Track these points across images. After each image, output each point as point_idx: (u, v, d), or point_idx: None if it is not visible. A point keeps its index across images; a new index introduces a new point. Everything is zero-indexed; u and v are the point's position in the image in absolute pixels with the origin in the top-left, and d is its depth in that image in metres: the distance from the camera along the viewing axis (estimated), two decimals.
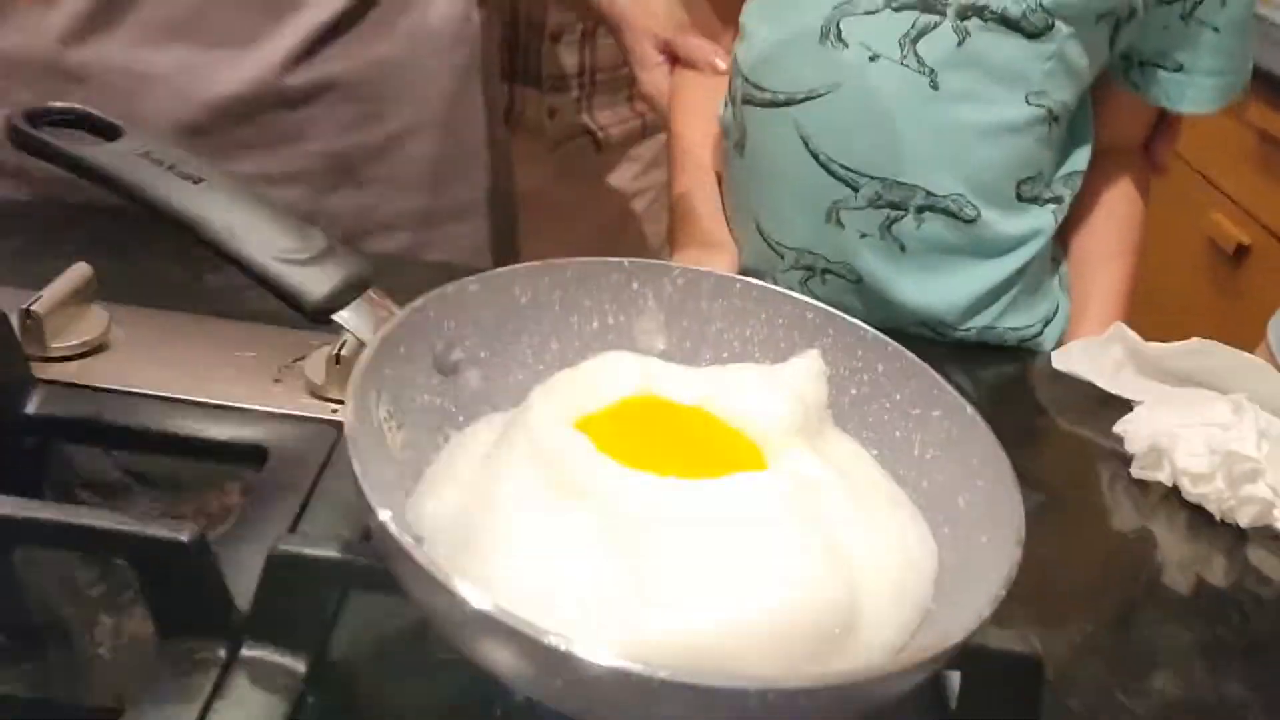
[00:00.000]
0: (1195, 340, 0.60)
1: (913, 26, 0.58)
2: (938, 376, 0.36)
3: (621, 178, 1.07)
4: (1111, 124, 0.68)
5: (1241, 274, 1.56)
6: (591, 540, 0.27)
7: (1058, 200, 0.65)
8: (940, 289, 0.63)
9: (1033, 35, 0.58)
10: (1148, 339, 0.60)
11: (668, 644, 0.25)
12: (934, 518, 0.34)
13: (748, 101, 0.65)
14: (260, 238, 0.31)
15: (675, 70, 0.80)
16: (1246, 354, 0.59)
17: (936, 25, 0.58)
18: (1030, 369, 0.64)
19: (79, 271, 0.47)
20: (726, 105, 0.68)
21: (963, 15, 0.57)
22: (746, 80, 0.65)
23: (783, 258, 0.65)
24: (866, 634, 0.28)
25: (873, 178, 0.61)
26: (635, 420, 0.32)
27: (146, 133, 0.33)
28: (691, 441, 0.31)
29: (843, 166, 0.61)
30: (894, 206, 0.61)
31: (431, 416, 0.34)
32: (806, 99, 0.61)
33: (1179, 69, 0.64)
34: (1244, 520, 0.51)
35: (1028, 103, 0.60)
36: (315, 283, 0.31)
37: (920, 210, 0.61)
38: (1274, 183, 1.52)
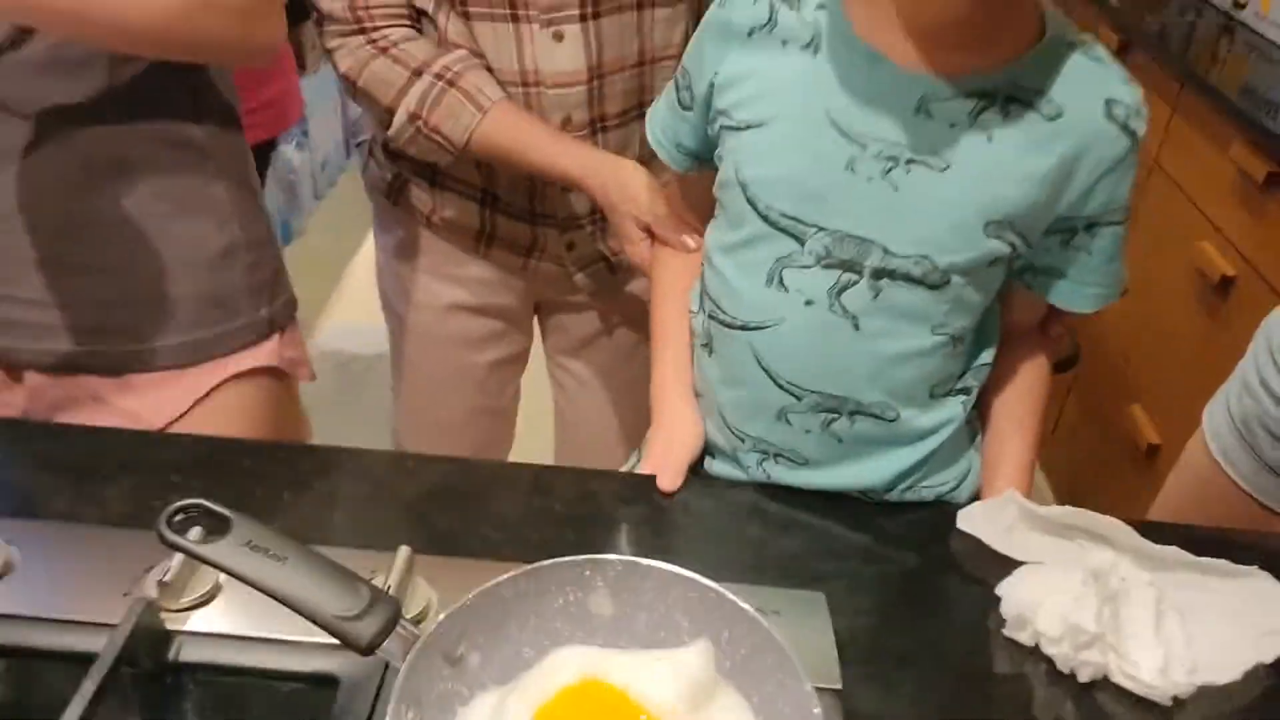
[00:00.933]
0: (1069, 509, 0.74)
1: (836, 282, 0.72)
2: (776, 638, 0.51)
3: (637, 286, 1.22)
4: (1014, 311, 0.81)
5: (1227, 305, 1.66)
6: None
7: (967, 391, 0.80)
8: (871, 470, 0.79)
9: (933, 287, 0.72)
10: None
11: None
12: None
13: (713, 318, 0.80)
14: (324, 601, 0.48)
15: (655, 245, 0.95)
16: (1107, 518, 0.73)
17: (855, 283, 0.72)
18: (945, 525, 0.78)
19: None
20: (699, 312, 0.83)
21: (876, 275, 0.72)
22: (714, 304, 0.80)
23: (743, 441, 0.81)
24: None
25: (812, 391, 0.76)
26: (574, 702, 0.48)
27: (248, 523, 0.49)
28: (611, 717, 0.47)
29: (789, 381, 0.76)
30: (830, 411, 0.77)
31: (444, 699, 0.50)
32: (758, 328, 0.76)
33: (1063, 278, 0.77)
34: (1082, 676, 0.65)
35: (933, 333, 0.74)
36: (364, 631, 0.48)
37: (851, 414, 0.76)
38: (1255, 218, 1.61)
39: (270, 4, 0.82)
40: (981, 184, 0.69)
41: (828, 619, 0.66)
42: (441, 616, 0.50)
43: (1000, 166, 0.69)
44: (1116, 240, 0.75)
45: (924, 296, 0.72)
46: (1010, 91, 0.69)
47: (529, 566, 0.53)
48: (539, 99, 1.04)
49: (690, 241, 0.90)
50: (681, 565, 0.59)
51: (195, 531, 0.50)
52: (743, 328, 0.77)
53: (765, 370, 0.77)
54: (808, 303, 0.73)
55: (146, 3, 0.75)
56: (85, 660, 0.53)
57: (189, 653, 0.59)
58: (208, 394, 0.94)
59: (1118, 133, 0.70)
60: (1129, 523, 0.74)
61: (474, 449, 1.37)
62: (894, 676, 0.64)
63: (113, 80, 0.84)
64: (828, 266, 0.72)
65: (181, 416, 0.93)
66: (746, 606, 0.52)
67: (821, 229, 0.71)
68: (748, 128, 0.73)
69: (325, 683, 0.58)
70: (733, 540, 0.75)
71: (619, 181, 0.97)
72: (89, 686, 0.51)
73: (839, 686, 0.61)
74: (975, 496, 0.82)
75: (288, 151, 2.91)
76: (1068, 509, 0.74)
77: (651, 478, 0.78)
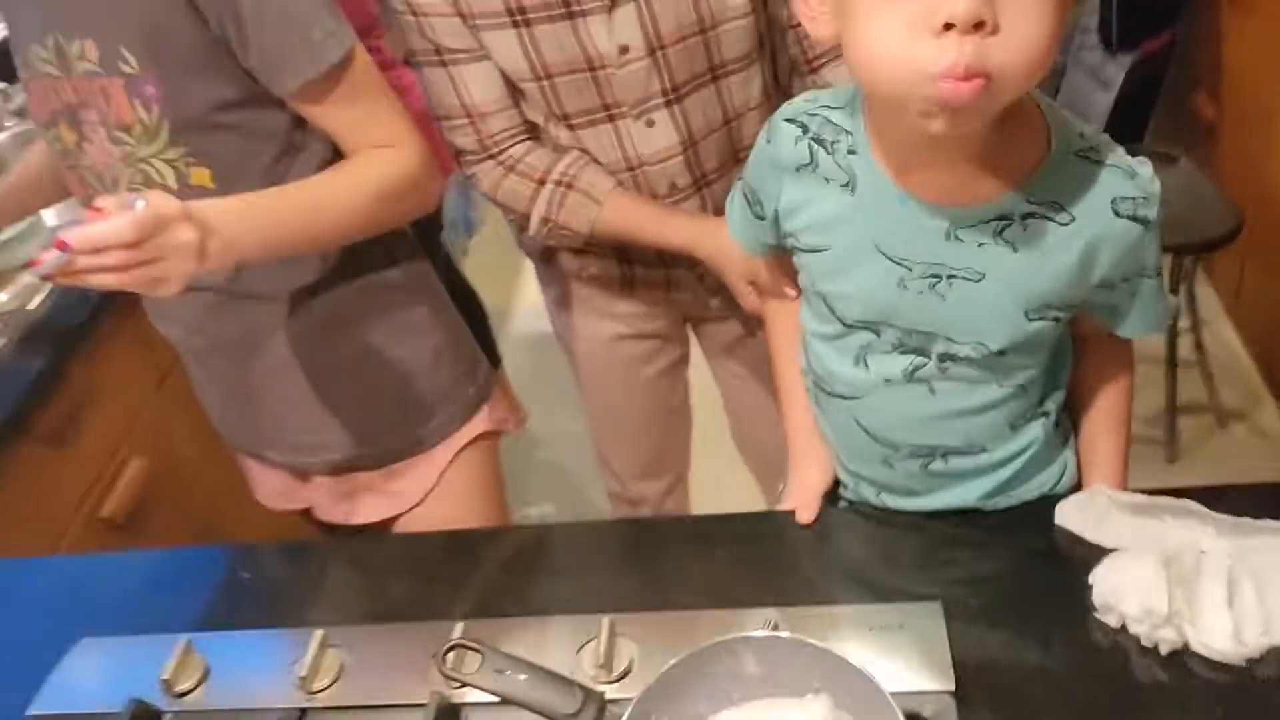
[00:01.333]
0: (1151, 498, 0.86)
1: (910, 364, 0.86)
2: (882, 691, 0.68)
3: None
4: (1085, 327, 0.92)
5: None
6: None
7: (1046, 414, 0.92)
8: (971, 490, 0.93)
9: (993, 357, 0.84)
10: None
11: None
12: None
13: (817, 386, 0.96)
14: (556, 704, 0.70)
15: (764, 299, 1.10)
16: (1183, 500, 0.85)
17: (925, 364, 0.85)
18: (1046, 520, 0.91)
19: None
20: (807, 377, 0.98)
21: (941, 359, 0.85)
22: (816, 375, 0.95)
23: (859, 479, 0.97)
24: None
25: (906, 444, 0.91)
26: None
27: (493, 653, 0.72)
28: None
29: (884, 438, 0.91)
30: (925, 456, 0.91)
31: None
32: (853, 398, 0.91)
33: (1115, 314, 0.87)
34: (1164, 650, 0.79)
35: (1000, 386, 0.87)
36: None
37: (944, 455, 0.91)
38: None
39: (432, 168, 1.04)
40: (1015, 284, 0.80)
41: (943, 624, 0.82)
42: (634, 700, 0.71)
43: (1028, 268, 0.80)
44: (1153, 289, 0.85)
45: (986, 365, 0.85)
46: (1025, 210, 0.78)
47: (694, 650, 0.73)
48: (644, 176, 1.21)
49: (790, 291, 1.04)
50: (820, 591, 0.78)
51: (461, 660, 0.72)
52: (841, 397, 0.92)
53: (864, 429, 0.92)
54: (887, 380, 0.87)
55: (342, 216, 1.01)
56: None
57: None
58: (448, 466, 1.21)
59: (1128, 224, 0.79)
60: (1207, 491, 0.86)
61: (660, 443, 1.59)
62: (1005, 671, 0.80)
63: (326, 261, 1.09)
64: (902, 352, 0.86)
65: (434, 487, 1.21)
66: (857, 664, 0.70)
67: (892, 325, 0.85)
68: (813, 250, 0.86)
69: None
70: (863, 562, 0.92)
71: (719, 248, 1.14)
72: None
73: (953, 687, 0.78)
74: (1076, 489, 0.94)
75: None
76: (1150, 498, 0.86)
77: (792, 515, 0.96)
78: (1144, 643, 0.79)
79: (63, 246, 0.78)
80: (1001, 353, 0.84)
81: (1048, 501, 0.92)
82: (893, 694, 0.75)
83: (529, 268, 1.52)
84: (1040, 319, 0.82)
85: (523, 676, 0.71)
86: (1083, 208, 0.78)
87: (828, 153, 0.83)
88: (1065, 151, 0.79)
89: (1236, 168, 2.18)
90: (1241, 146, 2.18)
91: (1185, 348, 2.29)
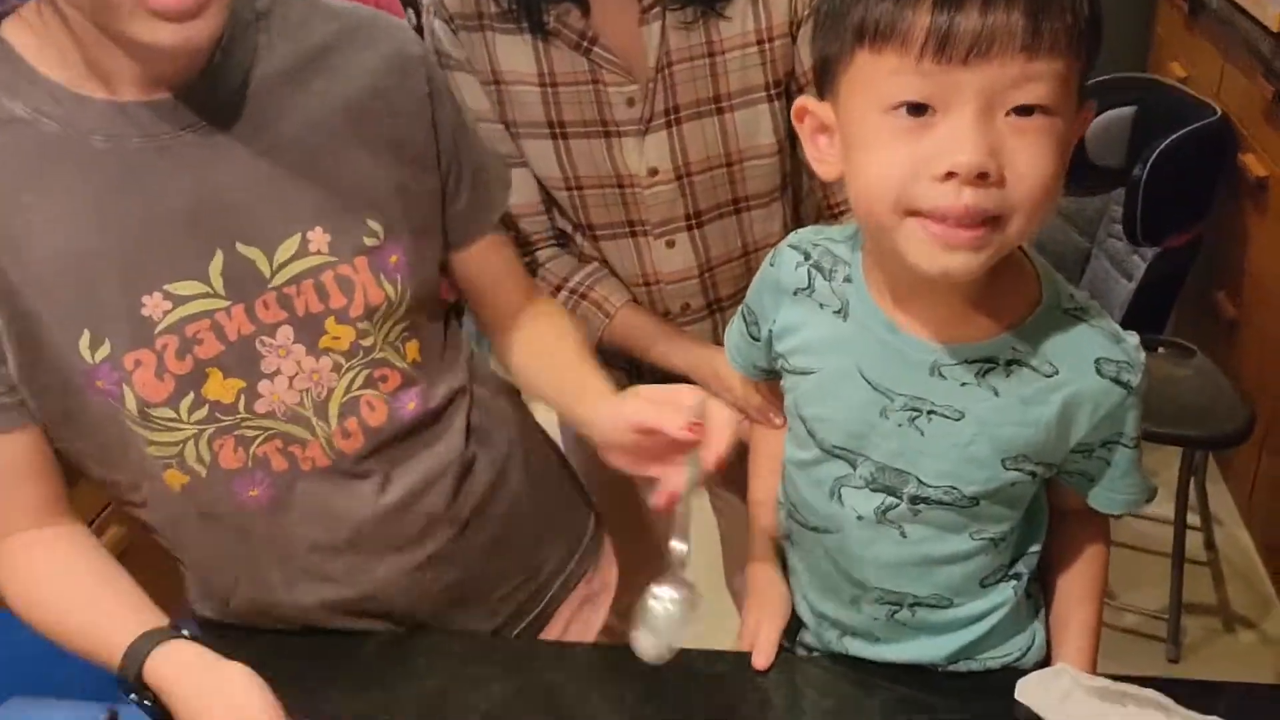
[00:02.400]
0: (1116, 684, 0.82)
1: (882, 503, 0.84)
2: None
3: None
4: (1062, 499, 0.90)
5: None
6: None
7: (1018, 576, 0.89)
8: (935, 647, 0.90)
9: (964, 508, 0.83)
10: None
11: None
12: None
13: (791, 518, 0.94)
14: None
15: (751, 427, 1.09)
16: (1148, 690, 0.81)
17: (897, 505, 0.84)
18: (1006, 693, 0.87)
19: None
20: (782, 509, 0.96)
21: (913, 500, 0.83)
22: (792, 506, 0.93)
23: (823, 621, 0.93)
24: None
25: (874, 586, 0.88)
26: None
27: None
28: None
29: (854, 577, 0.89)
30: (892, 603, 0.88)
31: None
32: (825, 531, 0.89)
33: (1093, 483, 0.86)
34: None
35: (972, 539, 0.85)
36: None
37: (911, 605, 0.88)
38: None
39: None
40: (992, 428, 0.79)
41: None
42: None
43: (1007, 414, 0.79)
44: (1130, 460, 0.84)
45: (957, 514, 0.83)
46: (1010, 356, 0.78)
47: None
48: (660, 292, 1.23)
49: (777, 420, 1.03)
50: None
51: None
52: (814, 529, 0.90)
53: (835, 565, 0.89)
54: (859, 517, 0.85)
55: None
56: None
57: None
58: None
59: (1109, 385, 0.79)
60: (1174, 684, 0.82)
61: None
62: None
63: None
64: (874, 490, 0.84)
65: None
66: None
67: (867, 458, 0.84)
68: (801, 373, 0.86)
69: None
70: (815, 714, 0.88)
71: (716, 374, 1.13)
72: None
73: None
74: (1044, 663, 0.90)
75: None
76: (1116, 684, 0.82)
77: (748, 656, 0.92)
78: None
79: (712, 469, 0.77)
80: (975, 501, 0.82)
81: (1010, 673, 0.88)
82: None
83: None
84: (1016, 470, 0.81)
85: None
86: (1067, 363, 0.78)
87: (825, 279, 0.84)
88: (1055, 307, 0.79)
89: (1255, 367, 2.17)
90: (1261, 345, 2.17)
91: (1195, 546, 2.23)
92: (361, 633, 0.99)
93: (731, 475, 1.40)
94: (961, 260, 0.69)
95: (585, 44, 1.09)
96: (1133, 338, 0.81)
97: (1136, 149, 2.23)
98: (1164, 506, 2.15)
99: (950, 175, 0.66)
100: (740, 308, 0.95)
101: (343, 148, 0.86)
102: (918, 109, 0.66)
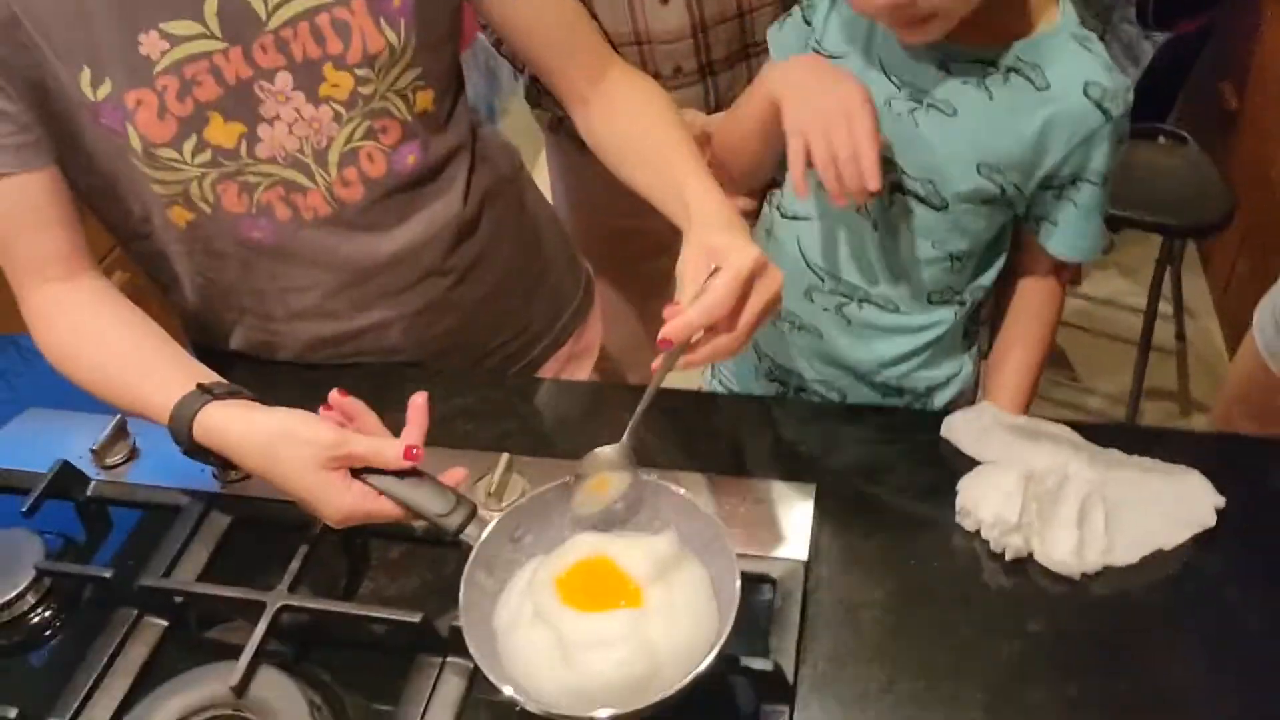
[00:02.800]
0: (1033, 419, 0.90)
1: None
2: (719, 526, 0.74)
3: None
4: (1024, 254, 0.97)
5: None
6: (550, 642, 0.70)
7: (961, 302, 0.98)
8: (871, 349, 1.00)
9: (935, 209, 0.91)
10: None
11: (572, 690, 0.68)
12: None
13: (776, 209, 1.02)
14: (429, 506, 0.76)
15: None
16: (1061, 425, 0.89)
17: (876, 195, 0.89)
18: (932, 429, 0.95)
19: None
20: (768, 204, 1.04)
21: (891, 189, 0.92)
22: (778, 199, 1.01)
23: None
24: (665, 677, 0.68)
25: (831, 276, 0.97)
26: (582, 571, 0.73)
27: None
28: (605, 586, 0.72)
29: (816, 264, 0.98)
30: (844, 295, 0.98)
31: (505, 565, 0.77)
32: (801, 218, 0.98)
33: (1055, 225, 0.93)
34: (1008, 556, 0.83)
35: (933, 248, 0.94)
36: (453, 522, 0.75)
37: (860, 301, 0.97)
38: None
39: None
40: (979, 131, 0.88)
41: (811, 504, 0.87)
42: (504, 512, 0.77)
43: (994, 120, 0.88)
44: (1095, 199, 0.91)
45: (927, 215, 0.92)
46: (1011, 64, 0.86)
47: (565, 480, 0.78)
48: (651, 53, 1.22)
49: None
50: (705, 462, 0.85)
51: None
52: (791, 218, 0.99)
53: (802, 254, 0.99)
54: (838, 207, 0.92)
55: None
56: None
57: None
58: None
59: (1090, 108, 0.86)
60: (1086, 426, 0.90)
61: None
62: (858, 550, 0.86)
63: None
64: None
65: None
66: (707, 512, 0.76)
67: None
68: (831, 56, 0.94)
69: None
70: (751, 442, 0.97)
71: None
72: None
73: (805, 558, 0.83)
74: (970, 399, 0.99)
75: (484, 38, 3.16)
76: (1032, 419, 0.91)
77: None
78: (993, 548, 0.84)
79: (665, 345, 0.74)
80: (945, 203, 0.90)
81: (933, 415, 0.96)
82: (749, 554, 0.81)
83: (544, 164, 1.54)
84: (988, 180, 0.89)
85: (405, 479, 0.76)
86: (1059, 79, 0.86)
87: None
88: (1065, 30, 0.87)
89: (1248, 161, 2.17)
90: (1257, 138, 2.17)
91: (1166, 336, 2.31)
92: (356, 365, 1.07)
93: None
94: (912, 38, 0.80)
95: None
96: (1125, 77, 0.87)
97: None
98: (1138, 297, 2.22)
99: None
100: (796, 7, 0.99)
101: None
102: None
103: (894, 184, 0.92)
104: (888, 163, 0.89)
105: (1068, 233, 0.93)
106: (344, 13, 0.86)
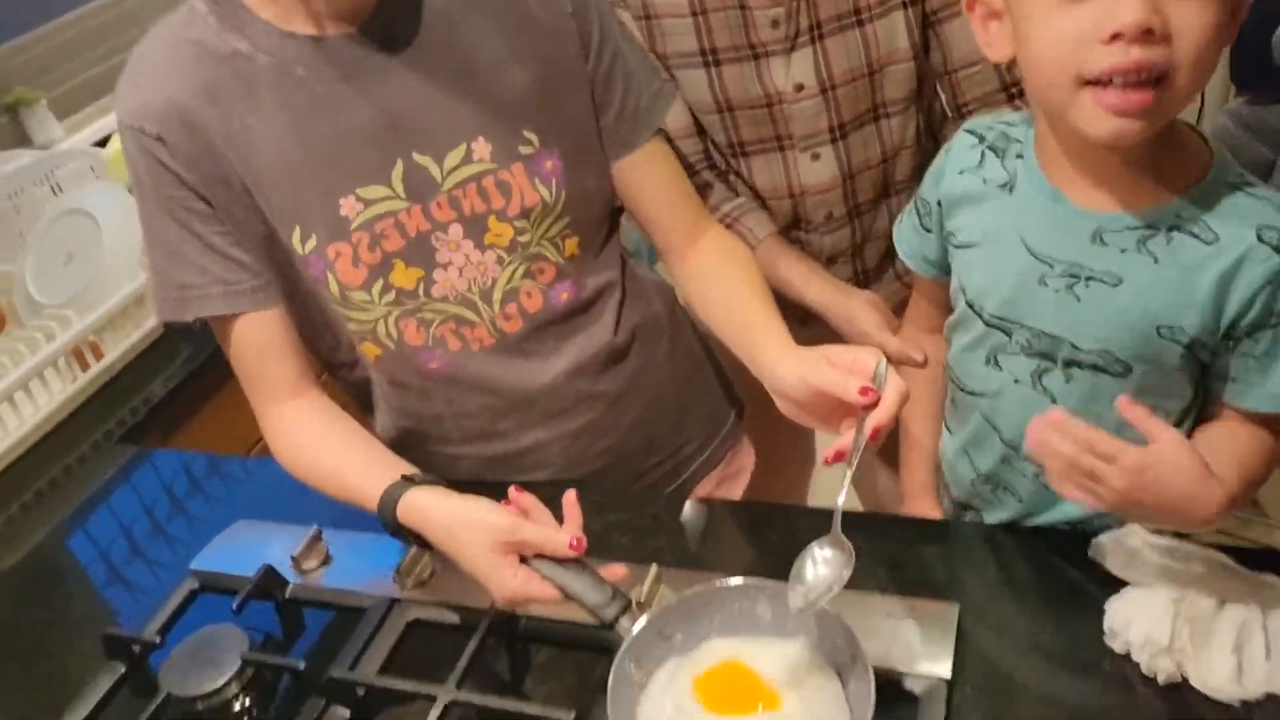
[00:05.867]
0: (1184, 543, 0.88)
1: (1037, 368, 0.92)
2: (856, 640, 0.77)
3: None
4: (1223, 411, 0.90)
5: None
6: None
7: None
8: (1068, 511, 0.98)
9: (1117, 375, 0.88)
10: None
11: None
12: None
13: (952, 383, 1.03)
14: (588, 595, 0.82)
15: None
16: (1214, 551, 0.87)
17: (1051, 369, 0.91)
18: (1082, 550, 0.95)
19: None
20: (949, 387, 1.05)
21: (1067, 364, 0.90)
22: (954, 373, 1.02)
23: (975, 476, 1.03)
24: None
25: (1025, 446, 0.94)
26: (718, 674, 0.77)
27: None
28: (742, 690, 0.76)
29: (1007, 438, 0.97)
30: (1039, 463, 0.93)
31: (653, 659, 0.82)
32: (982, 395, 0.98)
33: (1236, 381, 0.87)
34: (1160, 679, 0.82)
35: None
36: (610, 613, 0.82)
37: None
38: None
39: None
40: (1149, 296, 0.84)
41: (953, 623, 0.88)
42: (655, 611, 0.83)
43: (1164, 283, 0.83)
44: (1277, 343, 0.84)
45: (1109, 381, 0.89)
46: (1172, 223, 0.82)
47: (716, 586, 0.83)
48: (804, 203, 1.32)
49: (917, 355, 1.11)
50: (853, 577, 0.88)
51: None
52: (972, 393, 1.00)
53: (992, 426, 0.98)
54: (1015, 381, 0.94)
55: None
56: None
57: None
58: None
59: (1269, 253, 0.80)
60: (1241, 550, 0.88)
61: None
62: (1004, 670, 0.86)
63: None
64: (1029, 355, 0.92)
65: None
66: (846, 624, 0.79)
67: (1023, 326, 0.91)
68: (966, 246, 0.95)
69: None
70: (896, 560, 0.99)
71: (849, 316, 1.23)
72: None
73: (948, 676, 0.84)
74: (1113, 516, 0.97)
75: None
76: (1183, 542, 0.89)
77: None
78: (1144, 670, 0.83)
79: (875, 435, 0.81)
80: (1127, 368, 0.87)
81: (1085, 534, 0.95)
82: (889, 670, 0.83)
83: None
84: (1171, 341, 0.84)
85: (569, 568, 0.84)
86: (1228, 230, 0.81)
87: (997, 156, 0.92)
88: (1222, 178, 0.83)
89: None
90: None
91: None
92: (522, 484, 1.16)
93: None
94: (1131, 124, 0.75)
95: None
96: None
97: None
98: None
99: (1116, 36, 0.72)
100: (913, 200, 1.03)
101: (501, 67, 0.99)
102: None
103: (1066, 360, 0.89)
104: (1055, 339, 0.89)
105: (1250, 383, 0.86)
106: (506, 175, 1.00)
